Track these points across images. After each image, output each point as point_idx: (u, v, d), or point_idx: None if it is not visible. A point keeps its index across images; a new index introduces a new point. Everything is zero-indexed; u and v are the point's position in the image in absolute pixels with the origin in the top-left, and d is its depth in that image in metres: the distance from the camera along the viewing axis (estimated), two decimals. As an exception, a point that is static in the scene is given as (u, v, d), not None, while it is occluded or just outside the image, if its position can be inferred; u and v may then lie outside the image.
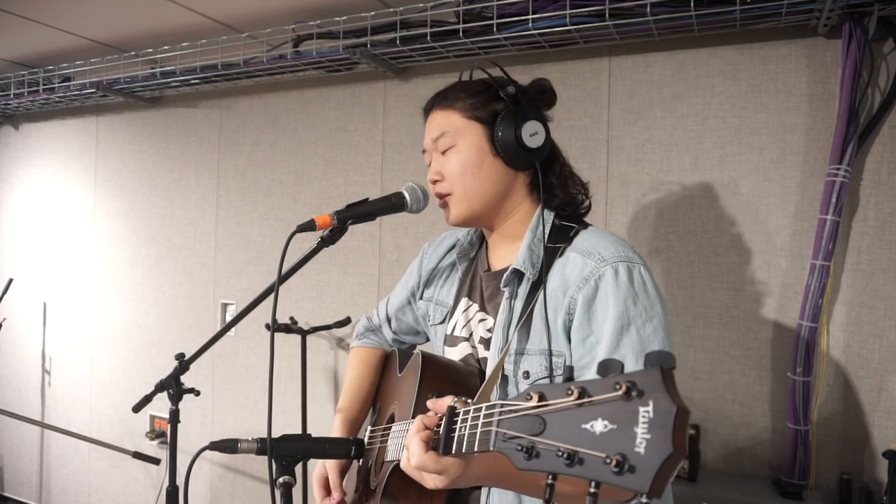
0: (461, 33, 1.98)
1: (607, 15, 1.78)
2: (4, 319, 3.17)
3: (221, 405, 2.82)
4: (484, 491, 1.06)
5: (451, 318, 1.24)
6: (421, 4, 2.06)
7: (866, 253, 1.75)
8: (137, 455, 2.34)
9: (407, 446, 0.82)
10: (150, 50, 2.66)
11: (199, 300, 2.89)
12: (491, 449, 0.68)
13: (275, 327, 1.10)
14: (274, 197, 2.72)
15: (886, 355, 1.72)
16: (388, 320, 1.44)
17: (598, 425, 0.54)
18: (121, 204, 3.13)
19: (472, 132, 1.11)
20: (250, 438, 1.10)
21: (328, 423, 1.29)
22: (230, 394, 2.80)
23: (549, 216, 1.13)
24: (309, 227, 1.13)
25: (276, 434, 1.08)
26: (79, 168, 3.27)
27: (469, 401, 0.80)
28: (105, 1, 2.27)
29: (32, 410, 3.36)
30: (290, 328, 2.35)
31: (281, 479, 1.08)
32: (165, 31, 2.52)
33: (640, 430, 0.50)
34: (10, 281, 2.96)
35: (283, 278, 1.14)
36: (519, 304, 1.07)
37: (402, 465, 0.84)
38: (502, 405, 0.67)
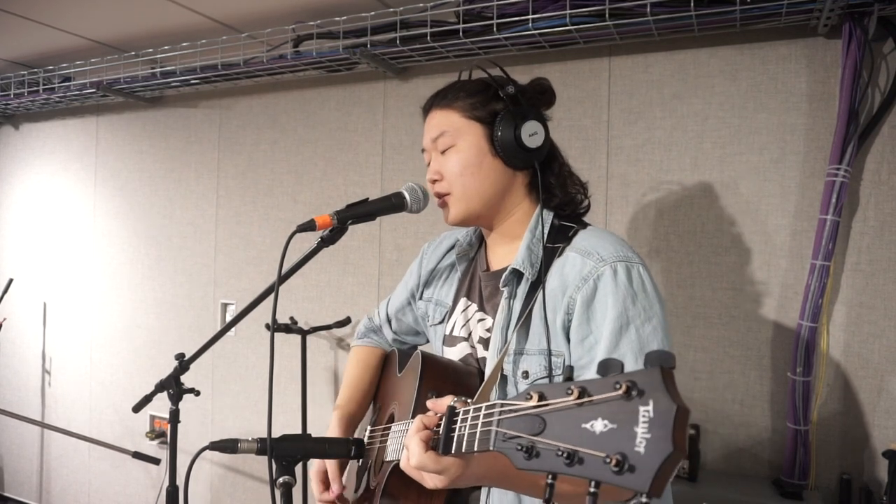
0: (461, 33, 1.98)
1: (607, 15, 1.78)
2: (4, 319, 3.17)
3: (221, 405, 2.82)
4: (484, 491, 1.06)
5: (449, 318, 1.24)
6: (421, 4, 2.06)
7: (866, 253, 1.75)
8: (137, 455, 2.34)
9: (406, 446, 0.82)
10: (150, 50, 2.66)
11: (199, 300, 2.89)
12: (491, 449, 0.68)
13: (275, 327, 1.10)
14: (274, 197, 2.72)
15: (886, 355, 1.72)
16: (389, 321, 1.44)
17: (598, 425, 0.54)
18: (121, 204, 3.13)
19: (471, 132, 1.11)
20: (250, 438, 1.10)
21: (328, 424, 1.29)
22: (230, 394, 2.80)
23: (548, 216, 1.13)
24: (309, 227, 1.13)
25: (276, 434, 1.08)
26: (79, 168, 3.27)
27: (469, 401, 0.80)
28: (105, 1, 2.27)
29: (32, 410, 3.36)
30: (290, 328, 2.35)
31: (281, 479, 1.08)
32: (165, 31, 2.52)
33: (640, 430, 0.50)
34: (10, 281, 2.97)
35: (283, 278, 1.14)
36: (518, 304, 1.07)
37: (402, 465, 0.84)
38: (502, 405, 0.67)
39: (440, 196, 1.14)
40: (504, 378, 1.06)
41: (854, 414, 1.75)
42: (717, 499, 1.64)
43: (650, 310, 0.98)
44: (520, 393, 0.65)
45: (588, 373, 0.98)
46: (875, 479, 1.72)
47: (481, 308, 1.17)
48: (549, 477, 0.57)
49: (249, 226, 2.77)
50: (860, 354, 1.75)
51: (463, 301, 1.22)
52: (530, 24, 1.88)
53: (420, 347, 1.40)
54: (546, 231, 1.10)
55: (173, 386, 1.52)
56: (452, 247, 1.31)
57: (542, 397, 0.61)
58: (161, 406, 1.69)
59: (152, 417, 2.97)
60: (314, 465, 1.25)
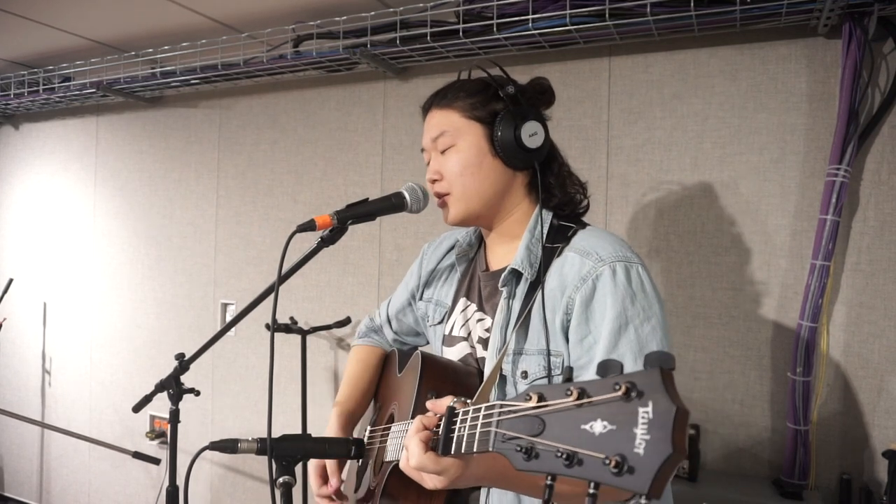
0: (461, 33, 1.98)
1: (607, 15, 1.78)
2: (4, 319, 3.17)
3: (221, 405, 2.82)
4: (483, 491, 1.06)
5: (449, 318, 1.24)
6: (421, 4, 2.06)
7: (866, 253, 1.75)
8: (137, 455, 2.34)
9: (406, 447, 0.82)
10: (150, 50, 2.66)
11: (199, 300, 2.89)
12: (490, 449, 0.68)
13: (275, 327, 1.10)
14: (274, 197, 2.72)
15: (886, 355, 1.72)
16: (389, 321, 1.44)
17: (598, 426, 0.54)
18: (121, 204, 3.13)
19: (471, 132, 1.11)
20: (250, 438, 1.10)
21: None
22: (230, 394, 2.80)
23: (548, 216, 1.13)
24: (309, 227, 1.13)
25: (276, 434, 1.08)
26: (79, 168, 3.27)
27: (468, 401, 0.80)
28: (105, 1, 2.27)
29: (32, 410, 3.36)
30: (290, 328, 2.35)
31: (281, 479, 1.08)
32: (165, 31, 2.52)
33: (640, 431, 0.50)
34: (10, 281, 2.97)
35: (283, 278, 1.14)
36: (517, 304, 1.07)
37: (402, 466, 0.84)
38: (501, 405, 0.67)
39: (440, 196, 1.14)
40: (503, 378, 1.06)
41: (854, 414, 1.75)
42: (717, 499, 1.64)
43: (649, 309, 0.98)
44: (519, 394, 0.65)
45: (587, 373, 0.98)
46: (875, 479, 1.72)
47: (480, 308, 1.17)
48: (549, 478, 0.57)
49: (249, 226, 2.77)
50: (860, 354, 1.75)
51: (462, 301, 1.22)
52: (530, 24, 1.88)
53: (420, 348, 1.40)
54: (545, 231, 1.10)
55: (173, 386, 1.52)
56: (452, 247, 1.31)
57: (541, 398, 0.61)
58: (161, 406, 1.69)
59: (152, 417, 2.97)
60: (313, 460, 1.25)
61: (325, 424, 1.29)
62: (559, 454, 0.56)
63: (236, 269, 2.80)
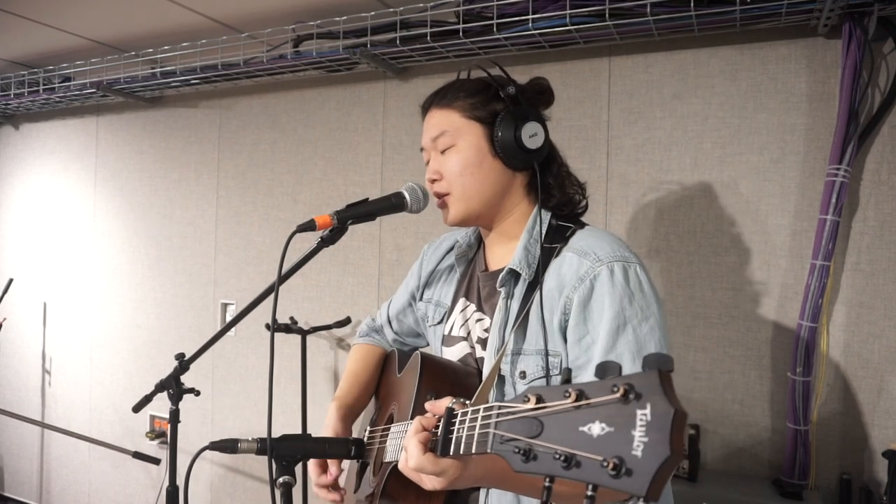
0: (461, 33, 1.98)
1: (607, 15, 1.78)
2: (4, 319, 3.17)
3: (221, 405, 2.82)
4: (482, 492, 1.06)
5: (448, 318, 1.24)
6: (421, 4, 2.06)
7: (866, 253, 1.75)
8: (137, 455, 2.35)
9: (405, 447, 0.82)
10: (150, 50, 2.66)
11: (199, 300, 2.89)
12: (488, 451, 0.68)
13: (275, 327, 1.10)
14: (274, 197, 2.72)
15: (886, 355, 1.72)
16: (390, 322, 1.44)
17: (596, 428, 0.54)
18: (121, 204, 3.13)
19: (471, 132, 1.11)
20: (250, 438, 1.10)
21: (328, 420, 1.29)
22: (230, 394, 2.80)
23: (546, 216, 1.13)
24: (309, 227, 1.13)
25: (276, 434, 1.08)
26: (79, 168, 3.27)
27: (467, 402, 0.80)
28: (105, 1, 2.27)
29: (32, 410, 3.36)
30: (290, 328, 2.35)
31: (281, 479, 1.08)
32: (165, 31, 2.52)
33: (638, 433, 0.50)
34: (10, 281, 2.97)
35: (283, 278, 1.14)
36: (515, 305, 1.07)
37: (401, 467, 0.84)
38: (500, 407, 0.67)
39: (439, 196, 1.14)
40: (502, 378, 1.06)
41: (854, 414, 1.75)
42: (717, 499, 1.64)
43: (647, 309, 0.98)
44: (518, 395, 0.65)
45: (585, 373, 0.98)
46: (875, 479, 1.72)
47: (480, 308, 1.17)
48: (547, 480, 0.57)
49: (249, 226, 2.77)
50: (860, 354, 1.75)
51: (462, 301, 1.22)
52: (530, 24, 1.88)
53: (420, 349, 1.40)
54: (544, 231, 1.10)
55: (173, 386, 1.53)
56: (452, 248, 1.31)
57: (539, 399, 0.61)
58: (161, 406, 1.69)
59: (152, 417, 2.97)
60: None
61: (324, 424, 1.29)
62: (557, 456, 0.56)
63: (236, 269, 2.80)
